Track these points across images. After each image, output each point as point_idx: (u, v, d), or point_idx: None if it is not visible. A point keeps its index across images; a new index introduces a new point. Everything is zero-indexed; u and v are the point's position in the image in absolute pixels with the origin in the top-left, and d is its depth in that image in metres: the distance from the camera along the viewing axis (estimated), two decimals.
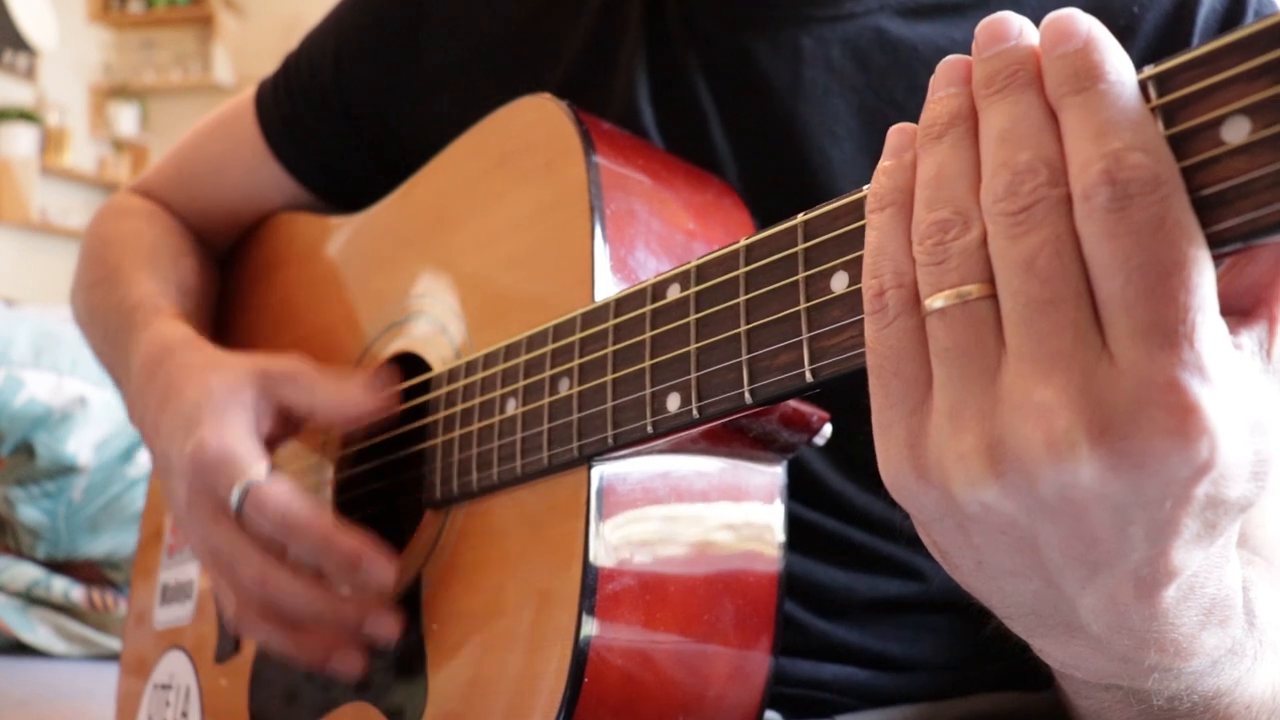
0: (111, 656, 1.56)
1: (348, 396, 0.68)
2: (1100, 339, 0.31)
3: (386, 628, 0.62)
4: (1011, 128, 0.34)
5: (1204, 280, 0.30)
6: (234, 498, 0.63)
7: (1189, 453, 0.30)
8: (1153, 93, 0.32)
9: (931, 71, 0.37)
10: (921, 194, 0.36)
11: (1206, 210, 0.31)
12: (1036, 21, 0.35)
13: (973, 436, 0.33)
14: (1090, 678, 0.41)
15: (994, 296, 0.33)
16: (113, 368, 0.86)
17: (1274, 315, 0.34)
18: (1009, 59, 0.34)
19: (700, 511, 0.57)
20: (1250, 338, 0.33)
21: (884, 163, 0.38)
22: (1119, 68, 0.32)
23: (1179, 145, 0.31)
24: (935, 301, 0.34)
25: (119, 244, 0.92)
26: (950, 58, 0.37)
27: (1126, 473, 0.31)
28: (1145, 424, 0.30)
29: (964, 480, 0.33)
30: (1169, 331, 0.30)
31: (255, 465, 0.64)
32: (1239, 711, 0.45)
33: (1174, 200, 0.30)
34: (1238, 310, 0.34)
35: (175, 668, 0.83)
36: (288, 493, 0.62)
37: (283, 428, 0.70)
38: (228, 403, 0.67)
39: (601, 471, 0.54)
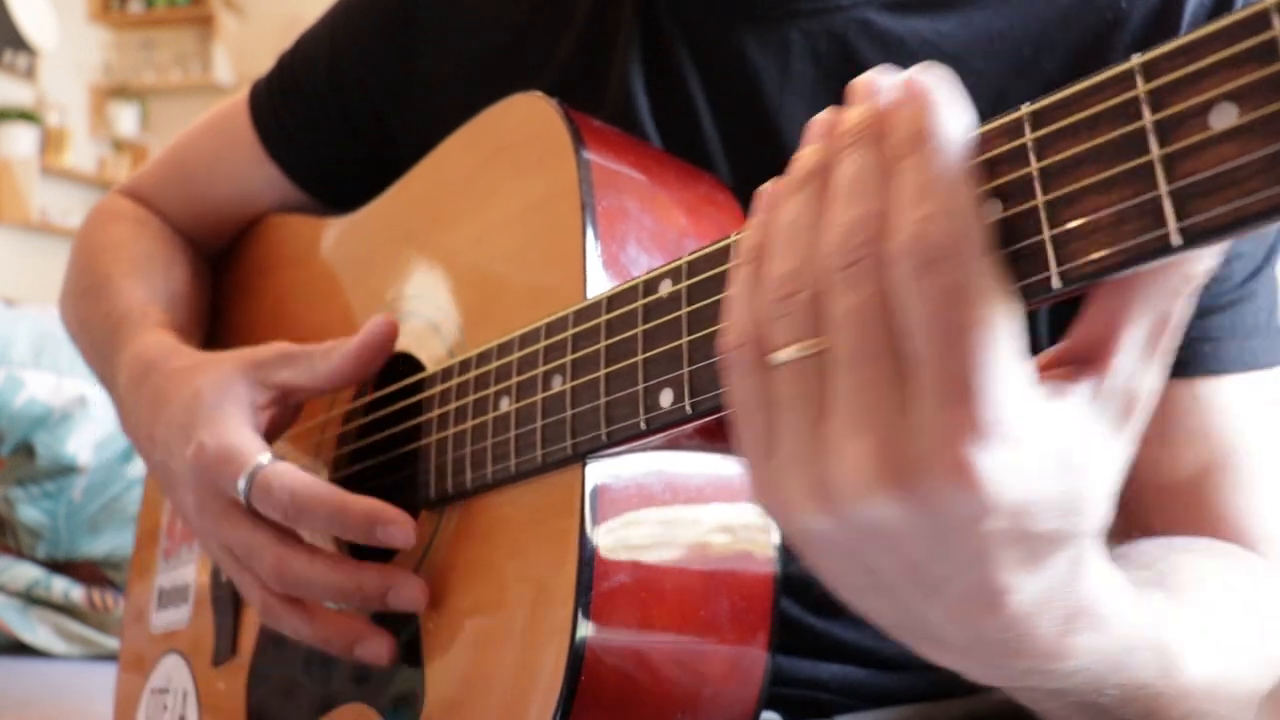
0: (111, 656, 1.56)
1: (345, 360, 0.67)
2: (909, 392, 0.34)
3: (410, 596, 0.61)
4: (851, 184, 0.36)
5: (995, 341, 0.33)
6: (240, 487, 0.62)
7: (965, 498, 0.33)
8: (1140, 80, 0.32)
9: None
10: (774, 246, 0.38)
11: (1194, 199, 0.31)
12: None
13: (804, 478, 0.37)
14: (982, 681, 0.43)
15: (831, 350, 0.36)
16: (103, 378, 0.86)
17: (1106, 369, 0.36)
18: (862, 117, 0.36)
19: (695, 508, 0.57)
20: (1084, 386, 0.35)
21: (752, 219, 0.40)
22: (947, 132, 0.34)
23: (1166, 132, 0.31)
24: (779, 356, 0.37)
25: (108, 252, 0.91)
26: (822, 114, 0.39)
27: (921, 512, 0.34)
28: (931, 473, 0.33)
29: (800, 514, 0.37)
30: (957, 390, 0.32)
31: (257, 454, 0.63)
32: (1173, 702, 0.48)
33: (972, 266, 0.33)
34: (1077, 361, 0.36)
35: (172, 672, 0.83)
36: (293, 471, 0.62)
37: (280, 416, 0.70)
38: (220, 400, 0.67)
39: (595, 469, 0.54)
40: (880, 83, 0.37)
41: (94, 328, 0.86)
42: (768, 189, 0.40)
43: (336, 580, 0.61)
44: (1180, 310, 0.36)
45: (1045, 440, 0.34)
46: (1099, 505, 0.36)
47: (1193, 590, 0.53)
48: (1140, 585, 0.45)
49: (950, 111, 0.35)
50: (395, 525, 0.60)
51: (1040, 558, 0.36)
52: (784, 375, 0.37)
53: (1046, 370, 0.37)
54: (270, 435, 0.69)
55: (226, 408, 0.66)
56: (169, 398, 0.70)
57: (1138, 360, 0.36)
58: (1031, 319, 0.50)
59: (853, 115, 0.37)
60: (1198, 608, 0.52)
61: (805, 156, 0.38)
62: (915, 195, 0.34)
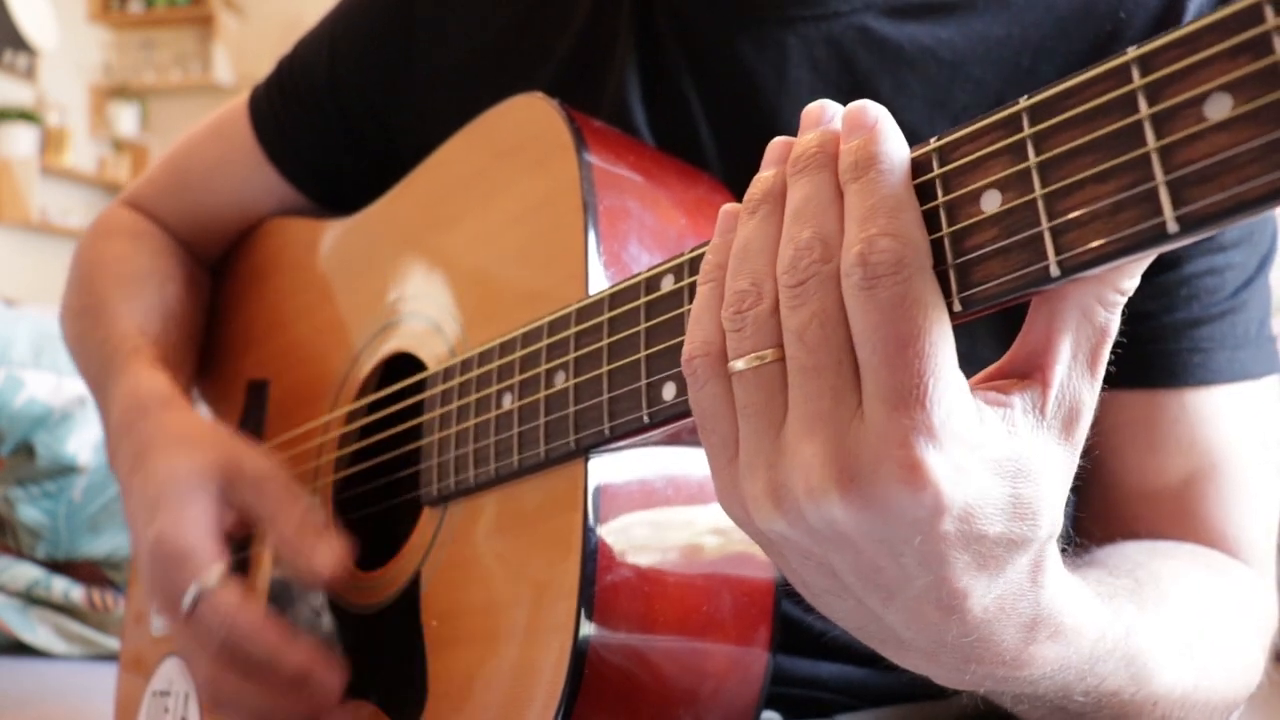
0: (111, 656, 1.56)
1: (305, 538, 0.66)
2: (858, 399, 0.36)
3: None
4: (802, 206, 0.38)
5: (938, 350, 0.35)
6: (186, 602, 0.64)
7: (917, 498, 0.34)
8: (1136, 73, 0.32)
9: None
10: (730, 265, 0.40)
11: (1190, 188, 0.31)
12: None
13: (762, 481, 0.38)
14: (947, 685, 0.44)
15: (784, 360, 0.38)
16: (98, 402, 0.86)
17: (1046, 380, 0.37)
18: (814, 142, 0.39)
19: (698, 506, 0.57)
20: (1023, 398, 0.37)
21: (713, 240, 0.42)
22: (891, 155, 0.37)
23: (1162, 123, 0.32)
24: (736, 364, 0.39)
25: (105, 270, 0.92)
26: (777, 140, 0.41)
27: (873, 513, 0.35)
28: (883, 474, 0.35)
29: (759, 515, 0.39)
30: (905, 395, 0.34)
31: (210, 568, 0.64)
32: (1143, 710, 0.50)
33: (915, 280, 0.35)
34: (1018, 374, 0.38)
35: (173, 674, 0.82)
36: (236, 602, 0.63)
37: (243, 525, 0.70)
38: (190, 492, 0.67)
39: (598, 464, 0.54)
40: (830, 110, 0.40)
41: (89, 351, 0.88)
42: (727, 210, 0.42)
43: (263, 706, 0.63)
44: (1116, 323, 0.37)
45: (991, 444, 0.36)
46: (1051, 512, 0.37)
47: (1171, 599, 0.54)
48: (1113, 595, 0.47)
49: (893, 138, 0.37)
50: (326, 680, 0.63)
51: (995, 562, 0.37)
52: (742, 383, 0.39)
53: (988, 382, 0.38)
54: (232, 536, 0.69)
55: (195, 501, 0.67)
56: (149, 458, 0.71)
57: (1076, 371, 0.37)
58: (976, 335, 0.51)
59: (805, 142, 0.39)
60: (1174, 617, 0.52)
61: (761, 180, 0.40)
62: (862, 216, 0.36)
